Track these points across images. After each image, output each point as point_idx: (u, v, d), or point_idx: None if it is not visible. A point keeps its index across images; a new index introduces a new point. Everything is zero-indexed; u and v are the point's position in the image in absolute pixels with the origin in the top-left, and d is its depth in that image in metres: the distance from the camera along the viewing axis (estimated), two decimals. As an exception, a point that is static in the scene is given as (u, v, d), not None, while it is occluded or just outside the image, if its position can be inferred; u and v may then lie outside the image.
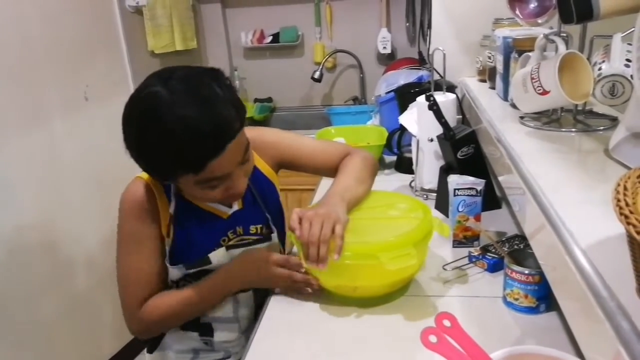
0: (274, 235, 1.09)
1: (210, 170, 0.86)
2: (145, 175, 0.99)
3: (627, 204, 0.41)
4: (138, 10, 2.28)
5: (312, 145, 1.18)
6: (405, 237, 0.91)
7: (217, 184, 0.91)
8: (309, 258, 0.89)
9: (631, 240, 0.42)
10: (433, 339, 0.64)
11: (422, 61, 2.36)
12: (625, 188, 0.44)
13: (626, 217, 0.40)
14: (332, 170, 1.13)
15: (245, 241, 1.06)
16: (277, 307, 0.98)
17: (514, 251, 0.97)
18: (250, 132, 0.97)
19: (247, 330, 1.08)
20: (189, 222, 1.01)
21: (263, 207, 1.09)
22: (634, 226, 0.39)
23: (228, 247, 1.03)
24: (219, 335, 1.07)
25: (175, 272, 1.02)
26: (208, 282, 1.00)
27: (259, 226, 1.08)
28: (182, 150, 0.83)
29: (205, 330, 1.07)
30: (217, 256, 1.02)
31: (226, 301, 1.05)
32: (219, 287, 1.01)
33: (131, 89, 2.25)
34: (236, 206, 1.06)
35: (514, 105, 1.17)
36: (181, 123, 0.82)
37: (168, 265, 1.01)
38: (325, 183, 1.34)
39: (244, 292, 1.06)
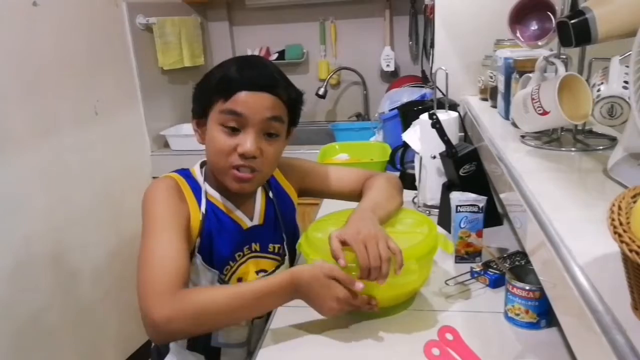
0: (287, 258, 1.10)
1: (236, 100, 0.94)
2: (172, 174, 1.03)
3: (620, 223, 0.44)
4: (148, 28, 2.32)
5: (335, 170, 1.22)
6: (407, 251, 0.92)
7: (235, 127, 0.95)
8: (370, 278, 0.86)
9: (625, 258, 0.44)
10: (436, 351, 0.66)
11: (425, 79, 2.40)
12: (619, 208, 0.46)
13: (620, 235, 0.43)
14: (356, 193, 1.14)
15: (259, 257, 1.06)
16: (281, 320, 0.99)
17: (515, 267, 0.99)
18: (282, 166, 1.11)
19: (252, 353, 1.06)
20: (214, 225, 1.01)
21: (282, 227, 1.10)
22: (627, 244, 0.41)
23: (257, 273, 1.05)
24: (227, 359, 1.07)
25: (208, 276, 1.01)
26: (276, 279, 0.88)
27: (277, 245, 1.09)
28: (225, 76, 0.97)
29: (213, 354, 1.07)
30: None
31: (242, 327, 1.05)
32: (278, 291, 0.87)
33: (140, 104, 2.30)
34: (257, 220, 1.07)
35: (515, 124, 1.19)
36: (235, 62, 1.00)
37: (203, 265, 0.99)
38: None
39: (259, 319, 1.06)
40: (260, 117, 0.95)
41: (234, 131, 0.96)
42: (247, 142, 0.95)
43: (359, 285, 0.86)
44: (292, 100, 1.02)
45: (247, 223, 1.06)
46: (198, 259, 1.00)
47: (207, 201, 1.02)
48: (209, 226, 1.01)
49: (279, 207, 1.11)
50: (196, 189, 1.02)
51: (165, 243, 0.89)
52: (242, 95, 0.94)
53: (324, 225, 1.04)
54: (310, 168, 1.21)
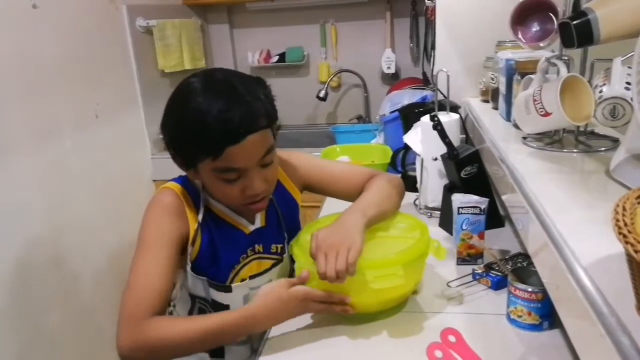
0: (285, 256, 1.10)
1: (228, 157, 0.89)
2: (172, 185, 1.02)
3: (625, 224, 0.43)
4: (148, 31, 2.33)
5: (338, 168, 1.21)
6: (393, 256, 0.92)
7: (234, 178, 0.92)
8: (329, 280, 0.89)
9: (630, 259, 0.44)
10: (439, 353, 0.65)
11: (426, 81, 2.40)
12: (624, 208, 0.46)
13: (624, 236, 0.42)
14: (357, 193, 1.12)
15: (262, 259, 1.07)
16: (280, 328, 0.99)
17: (517, 269, 0.99)
18: (281, 153, 1.02)
19: (256, 351, 1.08)
20: (214, 233, 1.02)
21: (284, 227, 1.10)
22: (632, 245, 0.41)
23: (251, 277, 1.04)
24: (230, 357, 1.07)
25: (197, 285, 1.02)
26: (233, 315, 0.91)
27: (279, 245, 1.10)
28: (204, 131, 0.87)
29: (217, 352, 1.07)
30: (239, 287, 1.03)
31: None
32: (244, 324, 0.90)
33: (141, 107, 2.30)
34: (259, 223, 1.07)
35: (516, 126, 1.19)
36: (207, 105, 0.87)
37: (192, 274, 1.00)
38: (331, 200, 1.35)
39: None
40: (255, 159, 0.93)
41: (232, 179, 0.94)
42: (254, 184, 0.94)
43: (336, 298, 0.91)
44: (273, 117, 0.97)
45: (249, 228, 1.06)
46: (188, 267, 1.00)
47: (207, 209, 1.02)
48: (209, 234, 1.01)
49: (281, 208, 1.11)
50: (195, 198, 1.02)
51: (148, 266, 0.92)
52: (232, 151, 0.89)
53: (317, 228, 1.03)
54: (313, 166, 1.19)
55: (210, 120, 0.86)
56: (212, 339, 0.89)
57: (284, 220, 1.10)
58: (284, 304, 0.89)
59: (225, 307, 1.03)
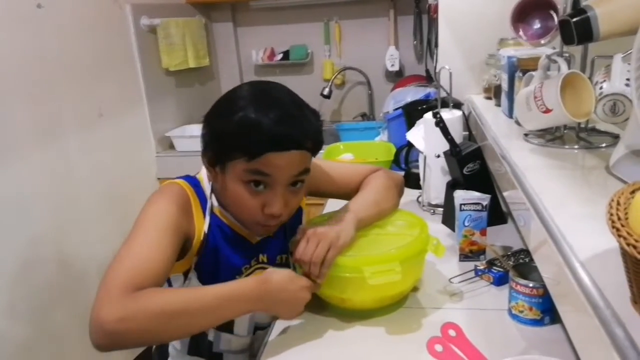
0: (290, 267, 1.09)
1: (264, 161, 0.86)
2: (181, 181, 0.98)
3: (619, 218, 0.44)
4: (152, 29, 2.34)
5: (337, 170, 1.18)
6: (390, 253, 0.92)
7: (261, 185, 0.89)
8: (306, 273, 0.91)
9: (623, 253, 0.45)
10: (439, 348, 0.66)
11: (429, 79, 2.40)
12: (618, 203, 0.47)
13: (618, 230, 0.43)
14: (356, 191, 1.11)
15: (265, 269, 1.03)
16: (282, 327, 0.99)
17: (519, 265, 0.99)
18: None
19: (255, 356, 1.05)
20: (218, 240, 0.98)
21: (289, 237, 1.05)
22: (625, 238, 0.42)
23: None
24: None
25: None
26: (232, 286, 0.84)
27: (284, 256, 1.08)
28: (253, 131, 0.86)
29: (215, 359, 1.06)
30: None
31: (243, 337, 1.05)
32: (244, 295, 0.84)
33: (145, 106, 2.32)
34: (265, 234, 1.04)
35: (518, 123, 1.19)
36: (266, 109, 0.87)
37: (198, 283, 0.97)
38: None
39: (262, 330, 1.05)
40: (288, 175, 0.90)
41: (258, 186, 0.90)
42: (276, 203, 0.90)
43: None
44: (319, 143, 0.94)
45: (256, 237, 1.04)
46: (194, 276, 0.97)
47: (214, 216, 0.98)
48: (214, 241, 0.97)
49: (289, 220, 1.04)
50: (203, 200, 0.98)
51: (150, 243, 0.83)
52: (271, 157, 0.86)
53: (317, 222, 1.04)
54: (315, 169, 1.15)
55: (263, 122, 0.85)
56: (215, 307, 0.82)
57: (289, 229, 1.07)
58: (287, 280, 0.88)
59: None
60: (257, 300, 0.85)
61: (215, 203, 0.99)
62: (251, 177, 0.89)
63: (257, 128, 0.85)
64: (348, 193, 1.12)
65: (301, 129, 0.89)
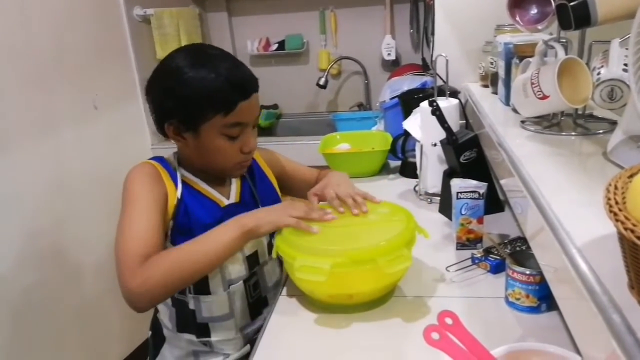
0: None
1: (238, 112, 0.99)
2: (148, 161, 1.08)
3: (616, 202, 0.43)
4: (146, 20, 2.32)
5: (295, 163, 1.34)
6: (398, 239, 0.93)
7: (237, 134, 1.02)
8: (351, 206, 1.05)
9: (621, 237, 0.44)
10: (435, 336, 0.66)
11: (425, 67, 2.39)
12: (615, 187, 0.46)
13: (615, 214, 0.42)
14: (310, 187, 1.21)
15: None
16: (279, 309, 1.00)
17: (515, 252, 0.99)
18: (260, 151, 1.21)
19: (244, 328, 1.11)
20: (189, 203, 1.05)
21: (260, 203, 1.14)
22: (622, 223, 0.41)
23: None
24: (217, 335, 1.09)
25: None
26: (215, 229, 0.98)
27: None
28: (220, 88, 0.96)
29: (202, 331, 1.09)
30: None
31: (220, 295, 1.07)
32: (226, 227, 0.97)
33: (139, 97, 2.30)
34: (233, 198, 1.11)
35: (515, 110, 1.19)
36: (216, 66, 0.97)
37: (169, 245, 1.03)
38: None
39: (236, 285, 1.08)
40: (254, 116, 1.05)
41: (237, 137, 1.03)
42: (251, 141, 1.05)
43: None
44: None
45: (224, 201, 1.10)
46: (168, 241, 1.04)
47: (184, 183, 1.07)
48: (186, 205, 1.04)
49: (256, 187, 1.16)
50: (172, 174, 1.07)
51: (140, 219, 0.97)
52: (242, 106, 0.99)
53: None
54: (281, 158, 1.32)
55: (224, 78, 0.96)
56: (206, 244, 0.95)
57: (259, 199, 1.15)
58: (269, 210, 1.03)
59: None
60: (245, 216, 0.98)
61: (185, 173, 1.08)
62: (232, 130, 1.01)
63: (224, 84, 0.96)
64: (303, 188, 1.24)
65: (249, 72, 1.02)
